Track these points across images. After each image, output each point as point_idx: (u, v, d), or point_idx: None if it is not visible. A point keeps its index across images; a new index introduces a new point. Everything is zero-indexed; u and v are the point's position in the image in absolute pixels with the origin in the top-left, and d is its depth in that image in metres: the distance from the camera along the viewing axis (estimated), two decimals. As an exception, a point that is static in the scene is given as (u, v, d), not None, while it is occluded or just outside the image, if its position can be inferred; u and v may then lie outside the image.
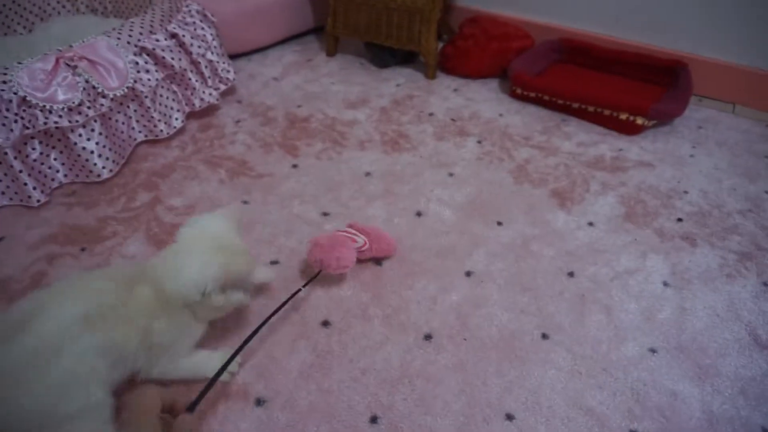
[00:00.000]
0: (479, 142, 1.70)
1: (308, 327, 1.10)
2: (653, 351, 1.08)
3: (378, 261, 1.25)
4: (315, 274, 1.13)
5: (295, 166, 1.57)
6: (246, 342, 0.97)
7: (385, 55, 2.11)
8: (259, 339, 1.08)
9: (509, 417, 0.96)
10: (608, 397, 1.00)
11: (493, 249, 1.31)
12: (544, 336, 1.11)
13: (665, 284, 1.23)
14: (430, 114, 1.83)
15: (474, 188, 1.50)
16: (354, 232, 1.20)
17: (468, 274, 1.24)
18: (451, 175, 1.55)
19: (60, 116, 1.32)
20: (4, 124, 1.26)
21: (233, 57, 2.06)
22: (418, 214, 1.41)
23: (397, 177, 1.53)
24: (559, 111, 1.84)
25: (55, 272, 1.21)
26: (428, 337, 1.09)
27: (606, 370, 1.04)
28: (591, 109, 1.76)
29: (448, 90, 1.98)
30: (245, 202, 1.42)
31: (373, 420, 0.95)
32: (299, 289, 1.10)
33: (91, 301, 0.82)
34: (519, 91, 1.89)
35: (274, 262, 1.25)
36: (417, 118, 1.81)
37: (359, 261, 1.21)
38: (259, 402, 0.97)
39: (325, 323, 1.11)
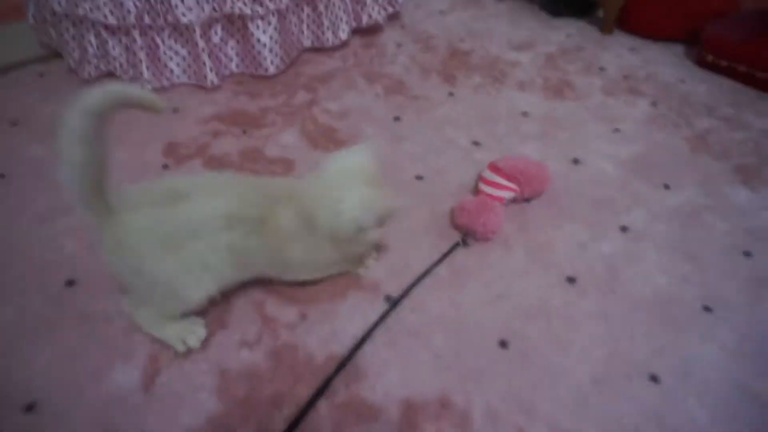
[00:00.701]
0: (653, 103, 1.53)
1: (445, 243, 1.07)
2: (843, 354, 0.92)
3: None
4: (464, 235, 1.08)
5: (451, 94, 1.52)
6: (406, 292, 0.96)
7: (560, 2, 1.97)
8: (396, 239, 1.07)
9: (654, 378, 0.86)
10: (779, 389, 0.86)
11: (656, 210, 1.18)
12: (707, 309, 0.98)
13: None
14: (601, 68, 1.69)
15: (641, 148, 1.36)
16: (502, 182, 1.12)
17: (624, 229, 1.13)
18: (616, 130, 1.42)
19: (245, 3, 1.38)
20: (198, 2, 1.34)
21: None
22: (575, 161, 1.30)
23: (556, 122, 1.43)
24: (757, 87, 1.60)
25: (218, 145, 1.28)
26: (572, 279, 1.01)
27: (780, 361, 0.90)
28: (798, 88, 1.51)
29: (624, 48, 1.81)
30: (397, 118, 1.41)
31: (503, 344, 0.90)
32: (457, 243, 1.06)
33: (238, 205, 0.82)
34: (710, 58, 1.67)
35: (418, 177, 1.23)
36: (585, 70, 1.67)
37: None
38: (389, 298, 0.96)
39: (463, 242, 1.07)
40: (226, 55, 1.48)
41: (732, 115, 1.50)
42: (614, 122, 1.45)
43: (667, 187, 1.25)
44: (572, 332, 0.93)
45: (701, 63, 1.71)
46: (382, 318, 0.92)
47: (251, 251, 0.84)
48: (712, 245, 1.11)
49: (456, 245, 1.06)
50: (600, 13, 1.96)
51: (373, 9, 1.69)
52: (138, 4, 1.31)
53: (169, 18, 1.34)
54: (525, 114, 1.46)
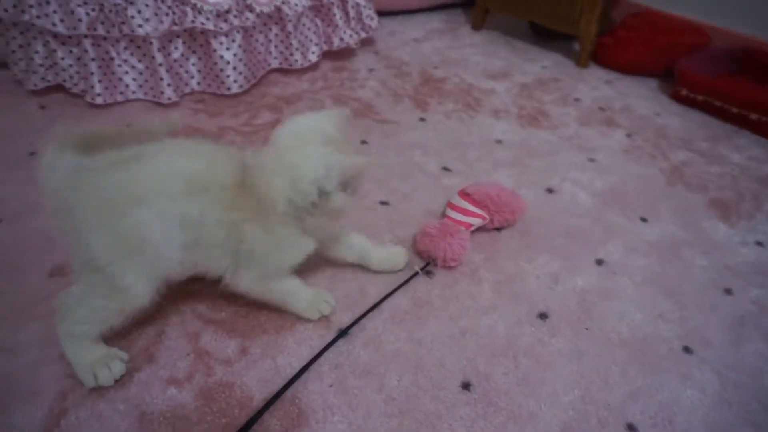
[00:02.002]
0: (629, 135, 1.49)
1: (407, 272, 0.98)
2: (834, 402, 0.84)
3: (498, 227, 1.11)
4: (425, 264, 1.00)
5: (422, 119, 1.46)
6: (356, 321, 0.88)
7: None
8: (353, 271, 0.98)
9: (631, 428, 0.77)
10: (767, 440, 0.78)
11: (632, 243, 1.11)
12: (687, 350, 0.90)
13: None
14: (576, 99, 1.65)
15: (618, 178, 1.31)
16: (471, 208, 1.05)
17: (599, 262, 1.06)
18: (591, 160, 1.37)
19: (207, 18, 1.32)
20: (156, 14, 1.27)
21: (379, 14, 2.00)
22: (549, 190, 1.24)
23: (530, 150, 1.38)
24: (731, 122, 1.58)
25: (169, 165, 1.19)
26: (543, 315, 0.93)
27: None
28: (773, 123, 1.49)
29: (599, 81, 1.79)
30: (364, 142, 1.34)
31: (465, 386, 0.80)
32: (416, 272, 0.97)
33: (204, 169, 0.73)
34: (684, 92, 1.65)
35: (383, 203, 1.15)
36: (561, 101, 1.64)
37: (478, 229, 1.08)
38: (343, 333, 0.86)
39: (428, 273, 0.99)
40: (186, 71, 1.41)
41: (708, 148, 1.46)
42: (590, 152, 1.40)
43: (644, 219, 1.19)
44: (542, 373, 0.84)
45: (676, 97, 1.69)
46: (325, 349, 0.83)
47: (207, 230, 0.73)
48: (691, 281, 1.04)
49: (415, 274, 0.97)
50: (576, 46, 1.95)
51: (345, 32, 1.65)
52: (90, 12, 1.24)
53: (125, 29, 1.27)
54: (499, 141, 1.40)
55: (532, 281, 1.00)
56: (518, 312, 0.93)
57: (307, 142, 0.76)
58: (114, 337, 0.80)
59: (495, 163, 1.31)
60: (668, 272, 1.05)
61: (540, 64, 1.86)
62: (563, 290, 0.99)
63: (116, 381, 0.76)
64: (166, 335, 0.83)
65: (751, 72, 1.69)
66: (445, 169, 1.27)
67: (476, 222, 1.05)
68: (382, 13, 2.05)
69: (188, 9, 1.29)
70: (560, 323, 0.92)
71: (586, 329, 0.92)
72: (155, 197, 0.69)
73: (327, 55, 1.68)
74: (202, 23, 1.31)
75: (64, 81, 1.34)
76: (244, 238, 0.76)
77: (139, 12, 1.25)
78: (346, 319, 0.88)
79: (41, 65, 1.32)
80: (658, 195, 1.27)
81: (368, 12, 1.72)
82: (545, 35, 2.02)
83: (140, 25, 1.26)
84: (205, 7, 1.30)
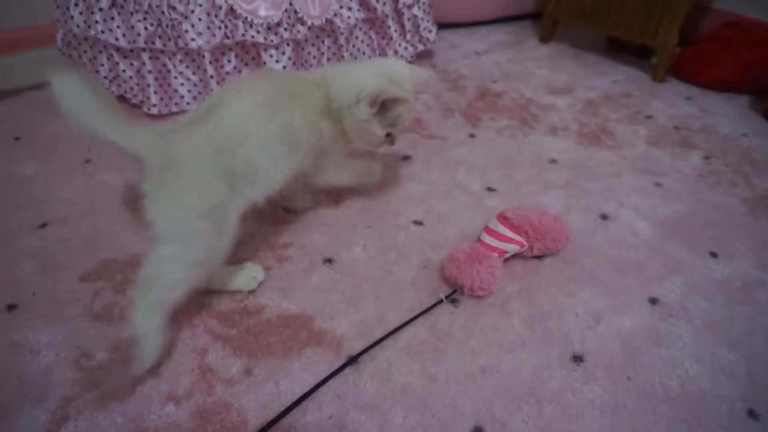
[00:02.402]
0: (706, 157, 1.33)
1: (432, 299, 0.92)
2: None
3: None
4: (452, 291, 0.93)
5: (472, 135, 1.39)
6: (368, 349, 0.83)
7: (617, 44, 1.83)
8: (373, 292, 0.93)
9: (670, 502, 0.66)
10: None
11: (696, 281, 0.98)
12: (752, 414, 0.77)
13: None
14: (648, 116, 1.51)
15: (686, 207, 1.16)
16: (508, 233, 0.97)
17: (653, 301, 0.94)
18: (658, 185, 1.23)
19: (258, 31, 1.33)
20: (209, 28, 1.30)
21: (440, 26, 1.96)
22: (604, 216, 1.13)
23: (588, 171, 1.26)
24: (835, 146, 1.38)
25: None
26: (578, 358, 0.83)
27: None
28: None
29: (678, 97, 1.62)
30: (407, 157, 1.29)
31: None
32: (440, 299, 0.91)
33: (271, 94, 0.87)
34: (779, 110, 1.46)
35: (417, 222, 1.09)
36: (629, 118, 1.50)
37: (516, 257, 1.00)
38: (351, 360, 0.81)
39: (454, 301, 0.92)
40: (239, 83, 1.43)
41: (804, 175, 1.28)
42: (657, 176, 1.26)
43: (713, 255, 1.04)
44: (568, 424, 0.74)
45: (769, 116, 1.50)
46: (329, 378, 0.78)
47: (297, 136, 0.88)
48: (764, 331, 0.89)
49: (439, 302, 0.91)
50: (654, 60, 1.79)
51: (400, 45, 1.61)
52: (149, 27, 1.29)
53: (180, 42, 1.31)
54: (553, 161, 1.30)
55: (570, 318, 0.90)
56: (549, 352, 0.84)
57: (368, 66, 0.97)
58: (126, 345, 0.81)
59: (545, 184, 1.22)
60: (737, 318, 0.91)
61: (610, 79, 1.72)
62: (605, 331, 0.88)
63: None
64: (175, 348, 0.83)
65: None
66: (489, 189, 1.20)
67: (512, 249, 0.96)
68: (444, 26, 2.00)
69: (240, 23, 1.31)
70: (597, 369, 0.82)
71: (628, 378, 0.81)
72: (251, 130, 0.82)
73: (381, 68, 1.66)
74: (253, 36, 1.33)
75: (126, 92, 1.40)
76: (322, 134, 0.93)
77: (192, 26, 1.29)
78: (358, 346, 0.84)
79: (106, 77, 1.39)
80: (734, 228, 1.11)
81: (426, 24, 1.68)
82: (623, 49, 1.87)
83: (193, 39, 1.30)
84: (256, 21, 1.32)
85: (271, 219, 1.09)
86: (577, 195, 1.19)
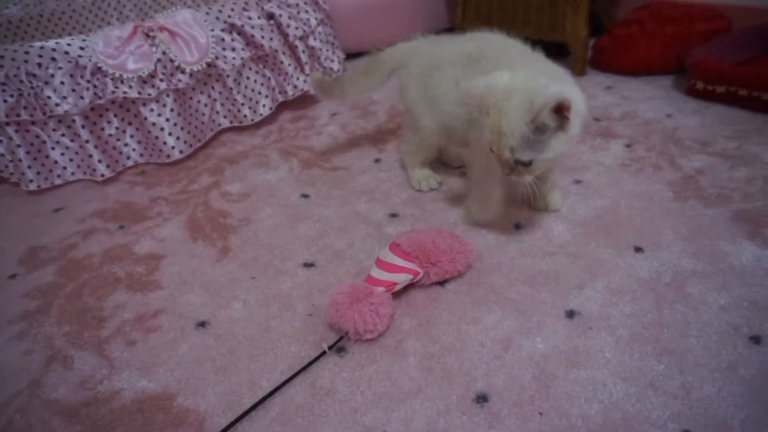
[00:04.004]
0: (628, 145, 1.23)
1: (315, 349, 0.79)
2: None
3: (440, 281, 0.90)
4: (337, 339, 0.80)
5: (377, 160, 1.29)
6: (231, 425, 0.69)
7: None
8: (248, 354, 0.80)
9: None
10: None
11: (619, 284, 0.86)
12: (689, 438, 0.63)
13: None
14: (567, 112, 1.42)
15: (608, 201, 1.05)
16: (398, 262, 0.86)
17: (570, 314, 0.81)
18: (577, 182, 1.12)
19: (130, 86, 1.24)
20: (74, 90, 1.21)
21: (354, 55, 1.88)
22: (517, 226, 1.01)
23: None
24: (764, 111, 1.28)
25: (85, 247, 1.09)
26: (481, 398, 0.70)
27: None
28: (819, 106, 1.18)
29: (598, 87, 1.54)
30: (305, 196, 1.18)
31: None
32: (323, 352, 0.78)
33: (480, 49, 0.97)
34: (701, 85, 1.37)
35: (308, 265, 0.97)
36: (548, 117, 1.40)
37: (415, 285, 0.88)
38: (212, 444, 0.68)
39: (341, 350, 0.79)
40: (125, 144, 1.33)
41: (733, 148, 1.17)
42: (576, 173, 1.15)
43: (638, 249, 0.93)
44: (467, 487, 0.60)
45: (692, 93, 1.41)
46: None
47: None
48: (701, 330, 0.77)
49: (322, 354, 0.78)
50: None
51: (298, 79, 1.53)
52: (9, 98, 1.19)
53: (46, 110, 1.21)
54: (463, 174, 1.19)
55: (473, 351, 0.77)
56: (448, 395, 0.71)
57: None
58: None
59: (453, 199, 1.11)
60: (667, 320, 0.79)
61: (530, 81, 1.64)
62: (515, 360, 0.75)
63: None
64: (2, 462, 0.69)
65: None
66: (393, 215, 1.08)
67: (402, 279, 0.84)
68: (358, 54, 1.93)
69: (108, 80, 1.22)
70: (504, 407, 0.68)
71: (540, 414, 0.67)
72: (446, 65, 1.00)
73: (286, 105, 1.57)
74: (125, 93, 1.24)
75: (1, 171, 1.30)
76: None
77: (55, 91, 1.20)
78: (223, 423, 0.70)
79: (-23, 158, 1.29)
80: (660, 215, 1.00)
81: (327, 54, 1.61)
82: (544, 49, 1.79)
83: (58, 104, 1.20)
84: (125, 76, 1.23)
85: (143, 285, 0.96)
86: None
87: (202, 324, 0.87)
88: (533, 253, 0.95)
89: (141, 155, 1.36)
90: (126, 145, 1.33)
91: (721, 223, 0.97)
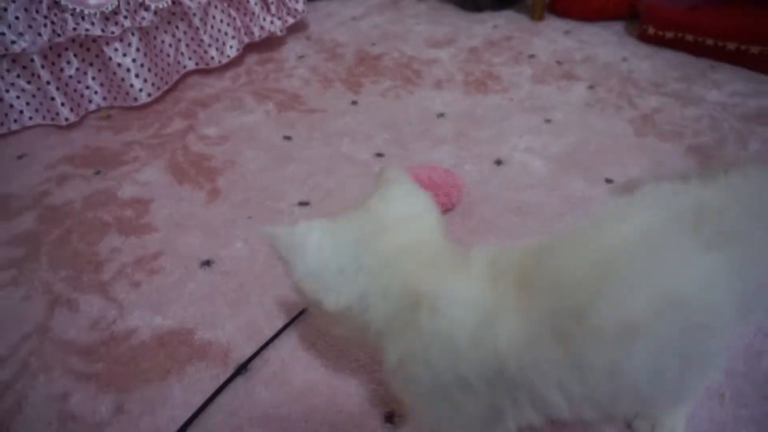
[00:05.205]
0: (591, 87, 1.32)
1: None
2: None
3: (434, 212, 0.95)
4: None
5: (354, 102, 1.30)
6: (258, 352, 0.73)
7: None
8: (259, 288, 0.83)
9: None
10: (769, 441, 0.62)
11: (596, 212, 0.95)
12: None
13: None
14: (531, 56, 1.48)
15: (578, 138, 1.14)
16: None
17: (556, 239, 0.90)
18: (548, 121, 1.20)
19: (92, 23, 1.17)
20: (31, 26, 1.13)
21: (315, -2, 1.85)
22: (498, 162, 1.08)
23: (477, 120, 1.21)
24: (707, 56, 1.40)
25: (61, 193, 1.05)
26: (487, 314, 0.77)
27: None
28: (755, 50, 1.31)
29: (558, 32, 1.61)
30: (287, 137, 1.18)
31: (389, 418, 0.65)
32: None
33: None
34: (652, 31, 1.47)
35: (303, 203, 1.00)
36: (513, 60, 1.46)
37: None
38: (239, 370, 0.71)
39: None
40: (87, 86, 1.27)
41: (682, 90, 1.28)
42: (546, 111, 1.23)
43: (609, 181, 1.02)
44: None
45: (643, 38, 1.51)
46: (217, 393, 0.68)
47: None
48: (666, 247, 0.87)
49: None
50: (529, 0, 1.77)
51: (265, 20, 1.49)
52: (-44, 35, 1.10)
53: (0, 48, 1.13)
54: (441, 115, 1.24)
55: (473, 274, 0.84)
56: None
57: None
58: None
59: (435, 140, 1.15)
60: (639, 240, 0.89)
61: (491, 24, 1.69)
62: (511, 279, 0.83)
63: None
64: (27, 402, 0.69)
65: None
66: (378, 155, 1.12)
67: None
68: (318, -4, 1.89)
69: (68, 15, 1.15)
70: (507, 321, 0.76)
71: (540, 324, 0.76)
72: None
73: (251, 47, 1.53)
74: (87, 30, 1.17)
75: (-48, 116, 1.20)
76: None
77: (9, 27, 1.11)
78: (248, 352, 0.74)
79: None
80: (625, 150, 1.10)
81: (291, -6, 1.57)
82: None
83: (14, 41, 1.12)
84: (87, 11, 1.15)
85: (136, 228, 0.95)
86: (469, 145, 1.13)
87: (207, 263, 0.88)
88: (515, 186, 1.02)
89: (104, 98, 1.30)
90: (88, 87, 1.27)
91: (677, 157, 1.08)
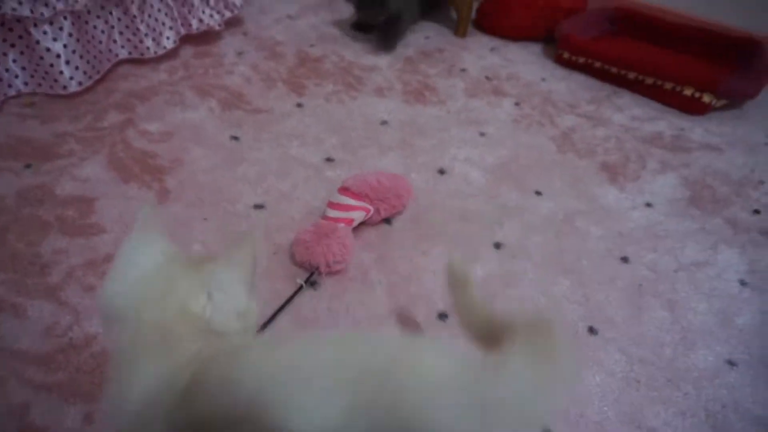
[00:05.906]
0: (517, 104, 1.45)
1: (290, 286, 0.86)
2: (732, 364, 0.84)
3: (387, 219, 1.01)
4: (308, 275, 0.88)
5: (299, 105, 1.32)
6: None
7: (389, 33, 1.77)
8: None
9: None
10: (675, 417, 0.76)
11: (529, 220, 1.06)
12: (592, 330, 0.86)
13: (742, 283, 0.98)
14: (462, 69, 1.58)
15: (509, 152, 1.25)
16: (351, 202, 0.95)
17: (498, 246, 1.00)
18: (482, 134, 1.30)
19: (20, 2, 1.08)
20: (-54, 2, 1.02)
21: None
22: (441, 171, 1.16)
23: (419, 129, 1.29)
24: (611, 82, 1.59)
25: (-12, 188, 0.97)
26: (443, 316, 0.85)
27: (671, 382, 0.80)
28: (649, 81, 1.51)
29: (484, 49, 1.73)
30: (234, 138, 1.18)
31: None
32: (300, 286, 0.85)
33: None
34: (566, 55, 1.64)
35: (257, 206, 1.01)
36: (447, 72, 1.56)
37: (366, 224, 0.98)
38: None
39: (314, 284, 0.87)
40: (7, 69, 1.16)
41: (593, 111, 1.45)
42: (479, 125, 1.33)
43: (538, 193, 1.14)
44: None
45: (559, 61, 1.67)
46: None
47: None
48: (589, 254, 1.01)
49: (299, 289, 0.85)
50: (454, 15, 1.87)
51: (203, 12, 1.45)
52: None
53: None
54: (384, 122, 1.30)
55: (428, 278, 0.91)
56: (416, 316, 0.85)
57: None
58: None
59: (381, 147, 1.21)
60: (566, 247, 1.01)
61: (423, 35, 1.77)
62: (462, 283, 0.91)
63: None
64: (-19, 415, 0.66)
65: (627, 32, 1.72)
66: (328, 159, 1.15)
67: (357, 216, 0.94)
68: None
69: (-8, -7, 1.05)
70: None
71: (489, 324, 0.85)
72: None
73: (187, 39, 1.48)
74: (14, 9, 1.08)
75: None
76: None
77: None
78: (219, 355, 0.75)
79: None
80: (550, 165, 1.23)
81: (230, -13, 1.54)
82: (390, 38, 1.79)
83: (-74, 17, 1.01)
84: (15, -10, 1.07)
85: (82, 229, 0.91)
86: (413, 154, 1.20)
87: (166, 266, 0.87)
88: (458, 195, 1.10)
89: (26, 83, 1.20)
90: (8, 70, 1.17)
91: (592, 172, 1.23)
